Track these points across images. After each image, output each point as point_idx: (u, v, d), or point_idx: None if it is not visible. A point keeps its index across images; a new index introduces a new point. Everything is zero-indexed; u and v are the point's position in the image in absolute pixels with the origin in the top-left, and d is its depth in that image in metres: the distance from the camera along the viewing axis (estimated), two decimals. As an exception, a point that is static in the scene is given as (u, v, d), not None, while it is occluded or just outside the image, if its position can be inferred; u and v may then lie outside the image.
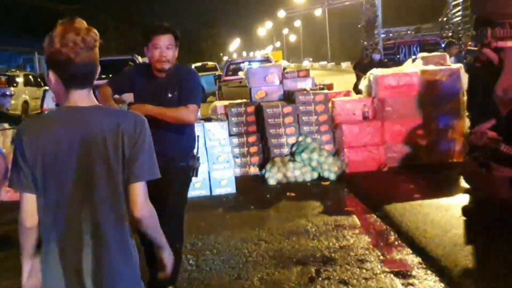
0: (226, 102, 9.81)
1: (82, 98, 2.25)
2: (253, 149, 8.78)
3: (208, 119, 8.36)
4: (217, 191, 7.78)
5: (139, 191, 2.25)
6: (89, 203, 2.21)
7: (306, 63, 77.60)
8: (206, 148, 7.76)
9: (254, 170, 8.78)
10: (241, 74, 11.25)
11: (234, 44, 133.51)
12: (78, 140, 2.19)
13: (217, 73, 25.41)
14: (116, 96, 4.28)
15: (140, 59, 15.94)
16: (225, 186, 7.81)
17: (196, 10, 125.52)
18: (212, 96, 20.93)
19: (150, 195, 2.30)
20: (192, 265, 5.19)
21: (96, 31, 2.23)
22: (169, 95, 3.97)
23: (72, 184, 2.20)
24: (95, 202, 2.22)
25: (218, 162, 7.81)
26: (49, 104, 12.11)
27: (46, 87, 14.99)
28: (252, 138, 8.79)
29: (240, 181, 8.21)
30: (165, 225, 4.06)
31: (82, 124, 2.21)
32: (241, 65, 17.45)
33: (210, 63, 31.44)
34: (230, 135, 8.41)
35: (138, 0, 66.73)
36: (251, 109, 8.94)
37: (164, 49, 3.90)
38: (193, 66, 28.90)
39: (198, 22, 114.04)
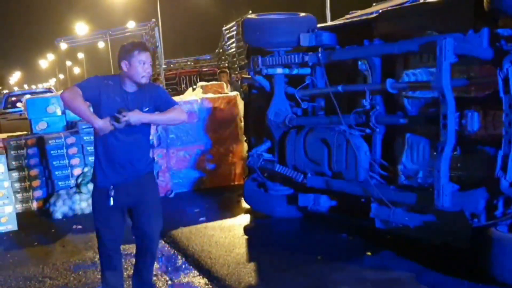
0: (5, 135, 9.30)
1: None
2: (36, 183, 8.40)
3: (-18, 154, 7.82)
4: (-4, 230, 7.35)
5: None
6: None
7: None
8: (-19, 185, 7.28)
9: (37, 205, 8.41)
10: (19, 105, 10.75)
11: (15, 77, 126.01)
12: None
13: (-6, 107, 24.04)
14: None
15: None
16: (5, 223, 7.34)
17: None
18: (-9, 132, 19.76)
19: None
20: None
21: None
22: (146, 109, 4.19)
23: None
24: None
25: (-4, 198, 7.37)
26: None
27: None
28: (34, 172, 8.40)
29: (23, 217, 7.78)
30: (150, 224, 4.48)
31: None
32: (22, 97, 16.71)
33: None
34: (9, 169, 7.98)
35: None
36: (32, 141, 8.52)
37: (148, 65, 4.15)
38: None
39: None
